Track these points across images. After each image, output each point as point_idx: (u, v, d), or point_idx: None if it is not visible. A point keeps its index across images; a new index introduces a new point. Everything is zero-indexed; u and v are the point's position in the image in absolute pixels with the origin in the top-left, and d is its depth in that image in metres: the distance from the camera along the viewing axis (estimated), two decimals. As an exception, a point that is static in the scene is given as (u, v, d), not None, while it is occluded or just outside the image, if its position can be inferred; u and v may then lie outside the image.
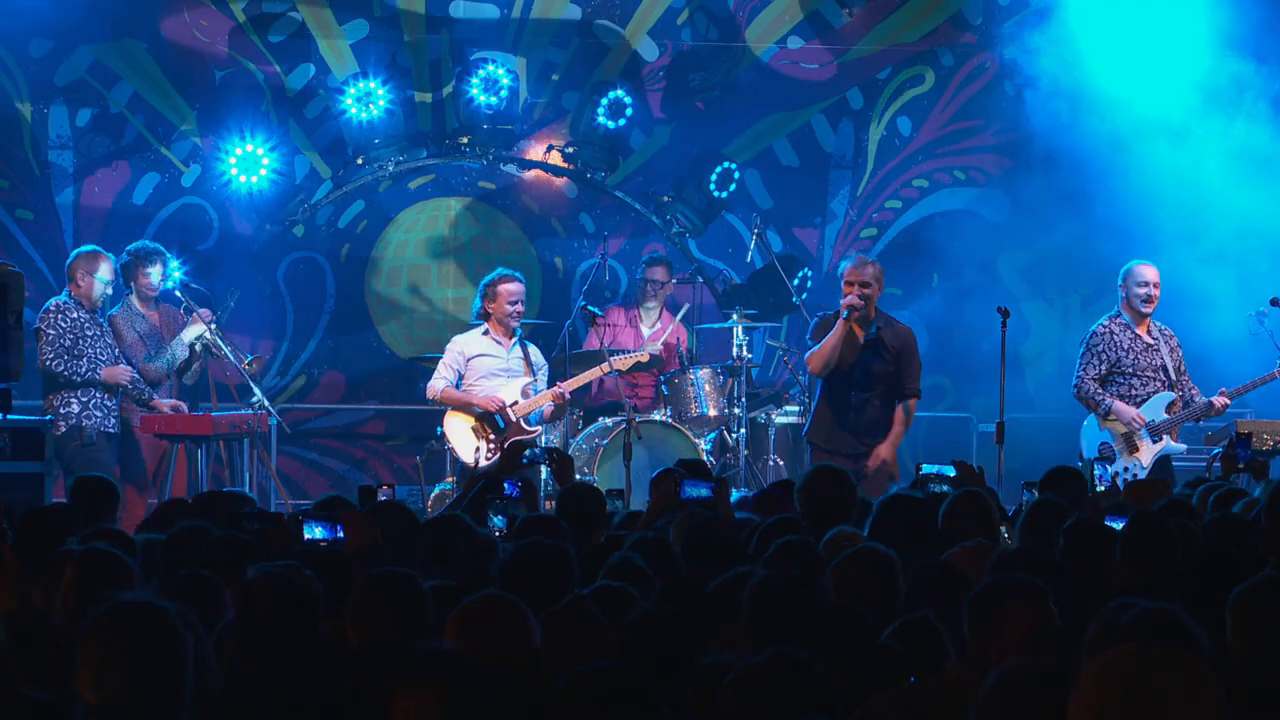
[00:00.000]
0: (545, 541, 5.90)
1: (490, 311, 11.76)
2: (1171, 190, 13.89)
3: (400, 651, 4.28)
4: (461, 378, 11.76)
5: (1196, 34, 14.10)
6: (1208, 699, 3.16)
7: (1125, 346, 11.30)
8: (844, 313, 10.62)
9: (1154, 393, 11.27)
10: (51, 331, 11.12)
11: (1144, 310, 11.35)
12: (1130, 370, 11.31)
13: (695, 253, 14.31)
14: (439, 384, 11.76)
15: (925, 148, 14.84)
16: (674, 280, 13.34)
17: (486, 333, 11.80)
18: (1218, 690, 3.16)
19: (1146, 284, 11.36)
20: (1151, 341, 11.35)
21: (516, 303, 11.73)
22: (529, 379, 11.77)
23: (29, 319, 10.98)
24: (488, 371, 11.74)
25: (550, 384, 11.92)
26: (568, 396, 11.80)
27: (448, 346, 11.93)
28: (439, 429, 11.88)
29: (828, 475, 7.57)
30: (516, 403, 11.69)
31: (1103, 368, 11.28)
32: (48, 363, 11.08)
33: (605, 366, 11.76)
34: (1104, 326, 11.36)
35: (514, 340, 11.83)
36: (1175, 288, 12.37)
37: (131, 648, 4.28)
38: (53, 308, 11.21)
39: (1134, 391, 11.28)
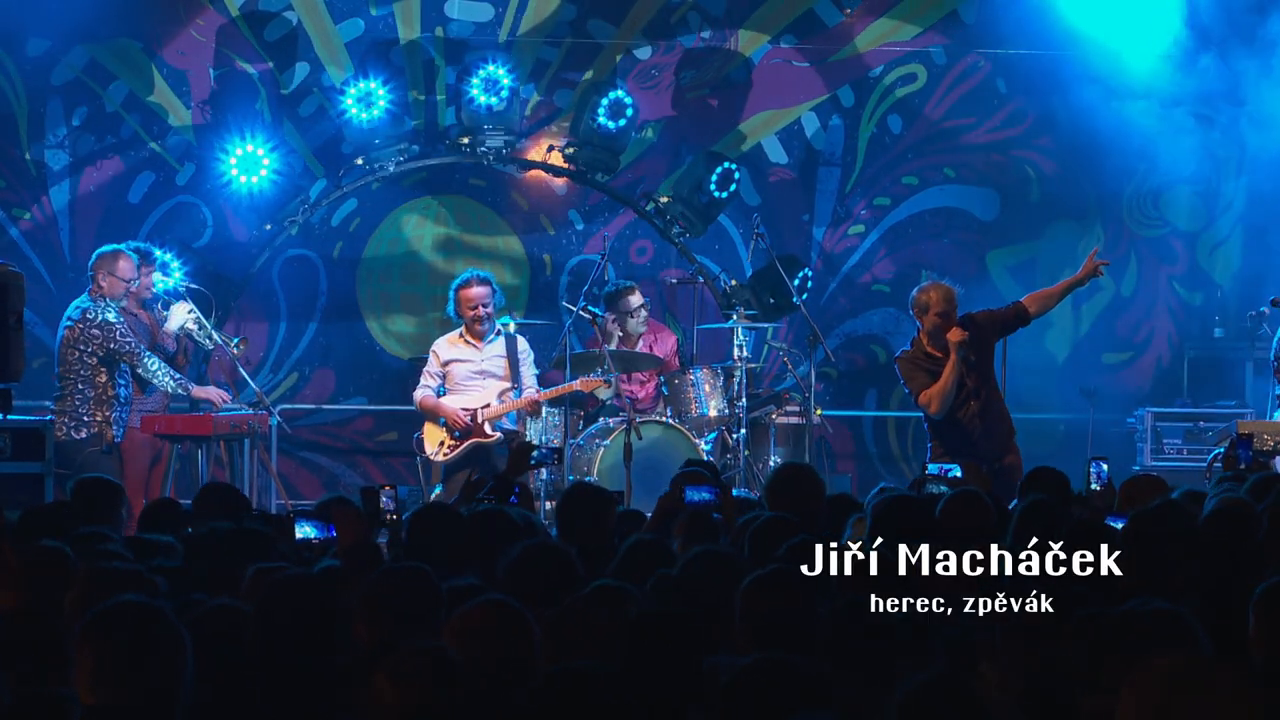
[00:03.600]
0: (550, 542, 5.93)
1: (459, 315, 11.91)
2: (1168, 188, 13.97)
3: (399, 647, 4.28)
4: (444, 381, 11.90)
5: (1192, 30, 14.17)
6: (1256, 708, 3.17)
7: None
8: (960, 351, 10.48)
9: None
10: (101, 334, 11.02)
11: None
12: None
13: (682, 251, 14.32)
14: (419, 393, 11.93)
15: (916, 145, 14.85)
16: (645, 303, 13.00)
17: (462, 334, 11.93)
18: (1264, 699, 3.17)
19: None
20: None
21: (477, 307, 11.81)
22: (506, 384, 11.83)
23: (29, 319, 10.94)
24: (463, 376, 11.89)
25: (538, 368, 12.12)
26: (542, 404, 11.87)
27: (430, 353, 12.08)
28: (416, 435, 12.02)
29: (795, 471, 7.63)
30: (488, 405, 11.79)
31: None
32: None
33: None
34: None
35: (487, 341, 11.91)
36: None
37: (128, 649, 4.28)
38: (91, 311, 11.01)
39: None
